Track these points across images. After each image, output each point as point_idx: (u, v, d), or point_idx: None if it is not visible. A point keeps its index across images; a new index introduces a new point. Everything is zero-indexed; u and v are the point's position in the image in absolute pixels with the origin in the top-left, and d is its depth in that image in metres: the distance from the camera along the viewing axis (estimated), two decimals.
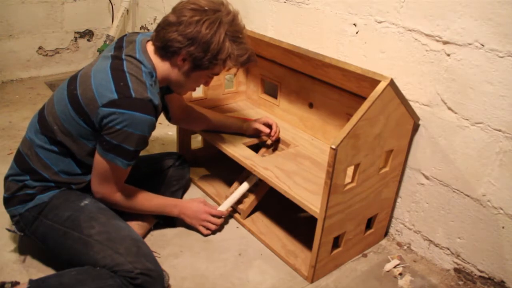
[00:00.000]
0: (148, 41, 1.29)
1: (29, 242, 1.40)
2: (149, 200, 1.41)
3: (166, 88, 1.40)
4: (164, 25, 1.22)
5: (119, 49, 1.26)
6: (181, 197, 1.71)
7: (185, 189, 1.76)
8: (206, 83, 1.38)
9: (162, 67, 1.27)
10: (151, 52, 1.27)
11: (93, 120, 1.19)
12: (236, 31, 1.24)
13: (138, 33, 1.35)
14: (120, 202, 1.34)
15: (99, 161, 1.24)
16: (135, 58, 1.23)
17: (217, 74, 1.33)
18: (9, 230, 1.34)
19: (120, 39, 1.32)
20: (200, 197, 1.59)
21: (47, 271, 1.33)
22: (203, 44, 1.20)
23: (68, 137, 1.25)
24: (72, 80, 1.27)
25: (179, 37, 1.20)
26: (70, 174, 1.30)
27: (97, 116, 1.17)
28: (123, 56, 1.23)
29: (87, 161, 1.29)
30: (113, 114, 1.15)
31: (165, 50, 1.24)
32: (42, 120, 1.29)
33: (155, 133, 2.23)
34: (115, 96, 1.15)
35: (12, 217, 1.31)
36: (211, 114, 1.68)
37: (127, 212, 1.41)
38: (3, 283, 1.18)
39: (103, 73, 1.20)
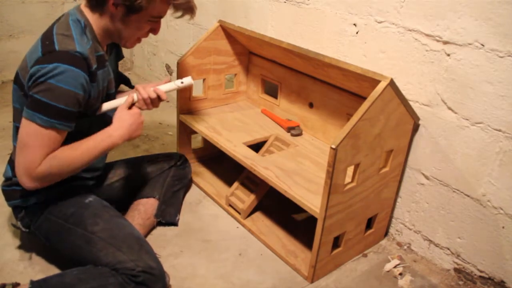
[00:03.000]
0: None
1: (32, 241, 1.41)
2: (78, 148, 1.19)
3: (116, 55, 1.36)
4: None
5: (60, 16, 1.23)
6: (183, 198, 1.71)
7: (187, 189, 1.76)
8: (153, 31, 1.27)
9: (97, 20, 1.20)
10: (84, 8, 1.21)
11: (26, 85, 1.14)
12: None
13: None
14: (49, 173, 1.14)
15: (22, 126, 1.12)
16: (66, 16, 1.19)
17: (160, 17, 1.24)
18: (14, 226, 1.34)
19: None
20: (123, 102, 1.33)
21: (50, 269, 1.33)
22: None
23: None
24: None
25: None
26: None
27: (28, 77, 1.12)
28: (57, 20, 1.20)
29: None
30: (37, 71, 1.09)
31: None
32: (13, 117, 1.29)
33: (155, 133, 2.24)
34: (40, 54, 1.11)
35: (16, 211, 1.31)
36: None
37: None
38: (4, 285, 1.18)
39: (36, 41, 1.17)
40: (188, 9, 1.26)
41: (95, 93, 1.22)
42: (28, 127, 1.11)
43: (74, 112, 1.14)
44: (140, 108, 1.34)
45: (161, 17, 1.25)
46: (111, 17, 1.20)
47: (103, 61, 1.24)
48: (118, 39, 1.26)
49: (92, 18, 1.21)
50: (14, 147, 1.27)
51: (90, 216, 1.24)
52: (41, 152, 1.12)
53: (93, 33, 1.21)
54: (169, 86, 1.39)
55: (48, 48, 1.11)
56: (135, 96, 1.34)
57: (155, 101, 1.35)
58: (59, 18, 1.22)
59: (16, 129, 1.21)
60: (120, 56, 1.39)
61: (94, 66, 1.18)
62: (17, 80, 1.20)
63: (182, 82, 1.40)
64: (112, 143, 1.23)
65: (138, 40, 1.30)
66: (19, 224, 1.31)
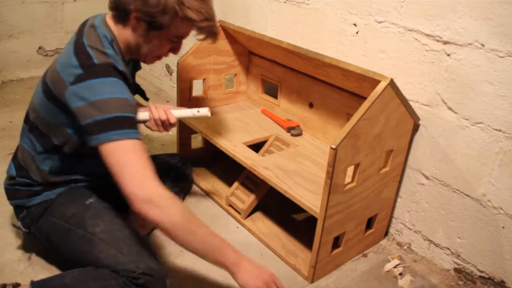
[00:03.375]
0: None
1: (32, 241, 1.41)
2: (208, 231, 1.09)
3: (133, 65, 1.34)
4: None
5: (83, 26, 1.21)
6: (183, 199, 1.71)
7: (188, 190, 1.76)
8: (174, 50, 1.25)
9: (121, 33, 1.19)
10: (110, 20, 1.20)
11: (64, 102, 1.12)
12: None
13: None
14: (167, 207, 1.03)
15: (105, 154, 1.05)
16: (94, 29, 1.17)
17: (181, 37, 1.22)
18: (15, 225, 1.34)
19: (86, 20, 1.26)
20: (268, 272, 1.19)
21: (50, 270, 1.33)
22: None
23: (51, 128, 1.21)
24: (46, 71, 1.24)
25: None
26: (60, 173, 1.27)
27: (68, 96, 1.10)
28: (84, 31, 1.18)
29: (75, 154, 1.24)
30: (82, 89, 1.07)
31: (117, 11, 1.15)
32: (26, 119, 1.28)
33: (155, 134, 2.24)
34: (80, 71, 1.09)
35: (17, 210, 1.31)
36: None
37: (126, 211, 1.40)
38: (5, 285, 1.18)
39: (67, 52, 1.15)
40: (210, 34, 1.24)
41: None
42: (111, 150, 1.04)
43: (134, 118, 1.11)
44: (150, 129, 1.35)
45: (183, 37, 1.23)
46: (132, 30, 1.18)
47: (125, 76, 1.23)
48: (137, 54, 1.25)
49: (117, 32, 1.20)
50: (22, 146, 1.28)
51: (90, 217, 1.23)
52: (143, 164, 1.04)
53: (119, 48, 1.20)
54: (184, 113, 1.36)
55: (86, 63, 1.10)
56: (147, 115, 1.33)
57: (165, 124, 1.33)
58: (83, 27, 1.20)
59: (30, 130, 1.24)
60: (137, 67, 1.39)
61: (124, 70, 1.19)
62: (48, 91, 1.17)
63: (198, 111, 1.36)
64: (223, 258, 1.09)
65: (158, 58, 1.28)
66: (19, 224, 1.31)
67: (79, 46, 1.14)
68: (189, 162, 1.72)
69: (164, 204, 1.02)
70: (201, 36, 1.24)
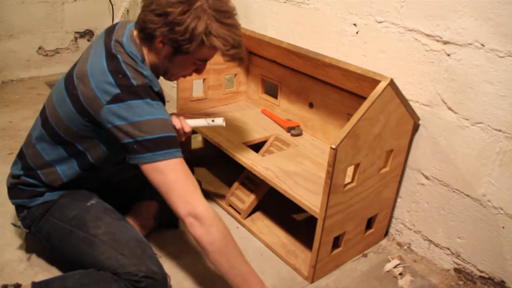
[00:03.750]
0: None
1: (32, 242, 1.41)
2: (244, 261, 1.15)
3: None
4: (143, 6, 1.14)
5: (110, 34, 1.19)
6: None
7: None
8: (198, 71, 1.25)
9: (147, 53, 1.19)
10: (137, 38, 1.18)
11: (99, 119, 1.12)
12: (219, 8, 1.11)
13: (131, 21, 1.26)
14: (212, 227, 1.08)
15: (150, 173, 1.09)
16: (123, 47, 1.15)
17: (206, 60, 1.22)
18: (14, 225, 1.33)
19: (112, 26, 1.25)
20: None
21: (50, 271, 1.33)
22: (176, 22, 1.08)
23: (79, 138, 1.20)
24: (69, 79, 1.20)
25: (152, 17, 1.10)
26: (73, 179, 1.27)
27: (104, 115, 1.10)
28: (112, 45, 1.15)
29: (97, 164, 1.25)
30: (121, 109, 1.08)
31: (143, 33, 1.15)
32: (45, 124, 1.26)
33: None
34: (117, 90, 1.09)
35: (18, 210, 1.30)
36: None
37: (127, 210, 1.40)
38: (5, 286, 1.18)
39: (99, 67, 1.13)
40: (237, 60, 1.22)
41: None
42: (158, 170, 1.08)
43: (176, 137, 1.14)
44: None
45: (207, 60, 1.23)
46: (157, 53, 1.18)
47: (162, 96, 1.23)
48: (162, 73, 1.25)
49: (144, 51, 1.19)
50: (35, 148, 1.26)
51: (92, 219, 1.23)
52: (188, 184, 1.10)
53: (148, 67, 1.19)
54: (198, 122, 1.37)
55: (124, 83, 1.10)
56: None
57: (179, 133, 1.33)
58: (111, 36, 1.18)
59: (50, 135, 1.23)
60: None
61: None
62: (79, 105, 1.15)
63: (213, 120, 1.37)
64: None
65: (183, 77, 1.29)
66: (19, 223, 1.30)
67: (114, 63, 1.12)
68: (189, 162, 1.71)
69: (207, 223, 1.08)
70: (227, 59, 1.22)
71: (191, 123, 1.36)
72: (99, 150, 1.22)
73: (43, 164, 1.25)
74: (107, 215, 1.26)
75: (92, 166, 1.25)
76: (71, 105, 1.17)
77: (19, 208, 1.30)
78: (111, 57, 1.14)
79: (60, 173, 1.25)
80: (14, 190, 1.30)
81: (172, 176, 1.09)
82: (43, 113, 1.28)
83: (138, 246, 1.20)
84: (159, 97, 1.17)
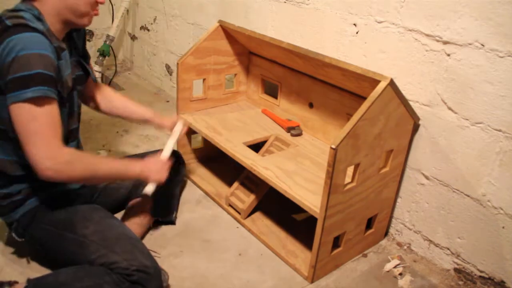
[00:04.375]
0: None
1: (29, 246, 1.40)
2: (107, 161, 1.23)
3: (82, 54, 1.31)
4: None
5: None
6: (180, 195, 1.70)
7: (181, 186, 1.76)
8: (99, 1, 1.21)
9: (44, 6, 1.13)
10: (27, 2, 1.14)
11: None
12: None
13: None
14: (75, 163, 1.10)
15: (16, 112, 1.04)
16: (15, 10, 1.11)
17: None
18: (10, 236, 1.33)
19: None
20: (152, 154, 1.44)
21: (49, 270, 1.33)
22: None
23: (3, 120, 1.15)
24: None
25: None
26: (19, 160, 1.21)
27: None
28: (1, 14, 1.11)
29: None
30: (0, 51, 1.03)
31: None
32: None
33: (155, 133, 2.24)
34: None
35: (8, 224, 1.30)
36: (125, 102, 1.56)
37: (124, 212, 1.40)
38: (2, 283, 1.18)
39: None
40: None
41: (63, 75, 1.16)
42: (22, 110, 1.04)
43: (54, 77, 1.08)
44: None
45: None
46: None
47: (59, 52, 1.16)
48: (71, 16, 1.17)
49: (41, 3, 1.13)
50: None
51: (79, 220, 1.23)
52: (52, 131, 1.07)
53: (46, 23, 1.14)
54: (169, 147, 1.50)
55: (1, 28, 1.06)
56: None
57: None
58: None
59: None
60: (78, 39, 1.34)
61: (55, 44, 1.13)
62: None
63: (174, 132, 1.55)
64: (133, 170, 1.27)
65: (92, 15, 1.22)
66: (13, 235, 1.30)
67: None
68: (182, 158, 1.70)
69: (65, 168, 1.10)
70: None
71: (165, 154, 1.47)
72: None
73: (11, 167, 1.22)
74: (94, 214, 1.26)
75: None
76: None
77: (8, 224, 1.30)
78: None
79: (4, 157, 1.21)
80: None
81: (35, 117, 1.06)
82: None
83: (128, 241, 1.21)
84: (45, 35, 1.09)
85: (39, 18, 1.12)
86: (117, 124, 2.30)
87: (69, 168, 1.10)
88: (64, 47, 1.19)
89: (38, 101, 1.05)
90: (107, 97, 1.52)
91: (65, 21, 1.18)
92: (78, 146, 1.37)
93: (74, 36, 1.31)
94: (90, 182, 1.22)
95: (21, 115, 1.05)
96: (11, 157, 1.21)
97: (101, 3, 1.22)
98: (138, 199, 1.52)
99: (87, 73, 1.35)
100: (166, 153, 1.47)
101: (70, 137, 1.30)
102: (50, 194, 1.28)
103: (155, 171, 1.33)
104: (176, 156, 1.67)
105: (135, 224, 1.45)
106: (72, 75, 1.24)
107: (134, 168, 1.28)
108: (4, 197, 1.25)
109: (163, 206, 1.56)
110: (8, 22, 1.06)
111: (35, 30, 1.07)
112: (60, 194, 1.30)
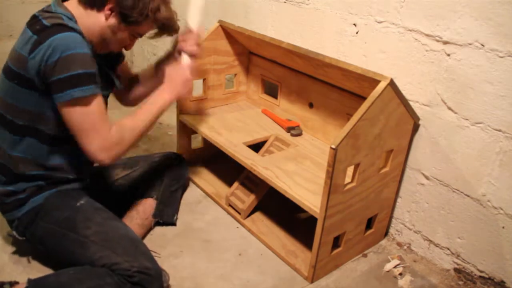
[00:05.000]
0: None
1: (30, 245, 1.40)
2: (142, 113, 1.27)
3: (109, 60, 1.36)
4: None
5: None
6: (181, 198, 1.71)
7: (184, 188, 1.76)
8: (128, 46, 1.31)
9: (86, 18, 1.19)
10: (72, 5, 1.20)
11: (29, 76, 1.12)
12: None
13: None
14: (123, 137, 1.20)
15: (67, 112, 1.12)
16: (50, 11, 1.16)
17: (141, 35, 1.29)
18: (10, 235, 1.34)
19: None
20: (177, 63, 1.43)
21: (50, 270, 1.32)
22: None
23: (25, 114, 1.19)
24: (4, 67, 1.22)
25: None
26: (34, 160, 1.24)
27: (30, 67, 1.11)
28: (37, 14, 1.17)
29: (56, 133, 1.22)
30: (41, 51, 1.08)
31: None
32: None
33: (155, 133, 2.24)
34: (34, 37, 1.10)
35: (10, 222, 1.31)
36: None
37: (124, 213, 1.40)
38: (2, 283, 1.18)
39: (21, 36, 1.16)
40: (172, 30, 1.33)
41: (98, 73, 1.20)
42: (73, 109, 1.12)
43: (96, 73, 1.14)
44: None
45: (141, 36, 1.30)
46: (102, 20, 1.20)
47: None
48: (98, 43, 1.25)
49: (81, 16, 1.19)
50: (8, 155, 1.23)
51: (82, 220, 1.23)
52: (104, 123, 1.16)
53: (78, 26, 1.18)
54: (193, 15, 1.44)
55: (39, 29, 1.11)
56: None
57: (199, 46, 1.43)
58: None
59: (15, 129, 1.20)
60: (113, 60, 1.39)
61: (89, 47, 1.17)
62: (10, 73, 1.17)
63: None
64: (165, 103, 1.31)
65: (115, 49, 1.31)
66: (14, 233, 1.30)
67: (33, 20, 1.15)
68: (185, 160, 1.71)
69: (118, 149, 1.20)
70: (161, 32, 1.33)
71: (192, 23, 1.42)
72: (47, 115, 1.19)
73: (3, 158, 1.24)
74: (97, 215, 1.26)
75: (47, 141, 1.23)
76: (15, 85, 1.17)
77: (10, 221, 1.31)
78: (31, 18, 1.17)
79: (17, 154, 1.22)
80: (0, 206, 1.29)
81: (86, 113, 1.14)
82: None
83: (130, 243, 1.21)
84: (83, 37, 1.15)
85: (72, 20, 1.17)
86: None
87: (120, 147, 1.20)
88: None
89: (87, 99, 1.12)
90: (127, 97, 1.57)
91: (91, 40, 1.23)
92: None
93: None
94: (142, 137, 1.29)
95: (73, 114, 1.12)
96: (26, 155, 1.23)
97: (128, 49, 1.33)
98: (141, 201, 1.52)
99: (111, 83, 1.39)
100: (193, 23, 1.42)
101: None
102: (54, 193, 1.28)
103: (182, 85, 1.36)
104: (178, 159, 1.67)
105: (137, 225, 1.45)
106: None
107: (164, 99, 1.32)
108: (9, 195, 1.25)
109: (165, 209, 1.56)
110: (46, 22, 1.11)
111: (73, 29, 1.12)
112: (64, 193, 1.30)
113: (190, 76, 1.39)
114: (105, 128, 1.16)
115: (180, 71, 1.37)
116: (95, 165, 1.39)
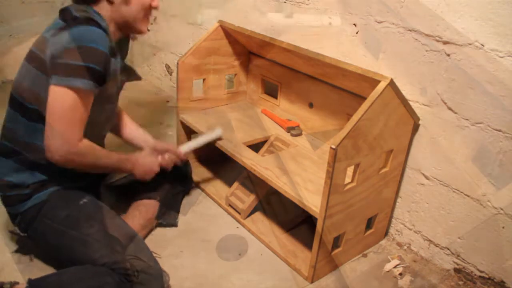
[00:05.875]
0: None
1: (31, 242, 1.41)
2: (109, 156, 1.30)
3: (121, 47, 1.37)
4: None
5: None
6: (182, 198, 1.71)
7: (187, 189, 1.76)
8: (153, 6, 1.29)
9: (105, 11, 1.22)
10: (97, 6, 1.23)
11: (44, 58, 1.15)
12: None
13: None
14: (87, 155, 1.20)
15: (57, 94, 1.11)
16: (81, 6, 1.21)
17: None
18: (12, 232, 1.34)
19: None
20: (163, 145, 1.51)
21: (51, 270, 1.33)
22: None
23: (39, 99, 1.19)
24: (29, 54, 1.25)
25: None
26: None
27: (48, 48, 1.14)
28: (69, 6, 1.21)
29: None
30: (64, 37, 1.11)
31: None
32: (13, 104, 1.25)
33: (155, 134, 2.24)
34: (61, 23, 1.16)
35: (12, 217, 1.31)
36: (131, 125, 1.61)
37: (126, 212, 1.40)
38: (2, 283, 1.18)
39: (53, 22, 1.21)
40: None
41: (112, 73, 1.22)
42: (65, 95, 1.11)
43: (103, 73, 1.15)
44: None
45: None
46: (111, 5, 1.22)
47: (114, 52, 1.24)
48: (126, 26, 1.28)
49: (102, 12, 1.22)
50: (25, 143, 1.23)
51: (84, 218, 1.23)
52: (81, 123, 1.16)
53: (105, 22, 1.22)
54: (193, 143, 1.57)
55: (68, 17, 1.16)
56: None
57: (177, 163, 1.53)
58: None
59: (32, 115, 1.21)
60: (125, 49, 1.41)
61: (111, 44, 1.20)
62: (36, 61, 1.18)
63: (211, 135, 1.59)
64: (125, 168, 1.37)
65: (148, 20, 1.32)
66: (16, 229, 1.30)
67: (64, 11, 1.19)
68: (188, 162, 1.71)
69: (75, 158, 1.19)
70: None
71: (185, 147, 1.52)
72: None
73: (21, 146, 1.24)
74: (99, 213, 1.26)
75: None
76: (33, 68, 1.19)
77: (12, 216, 1.31)
78: (63, 9, 1.21)
79: (38, 143, 1.21)
80: (2, 198, 1.29)
81: (69, 104, 1.13)
82: (10, 101, 1.27)
83: (132, 242, 1.21)
84: (107, 33, 1.17)
85: (99, 16, 1.21)
86: None
87: (78, 159, 1.19)
88: (116, 50, 1.26)
89: (83, 92, 1.13)
90: (125, 123, 1.59)
91: (121, 28, 1.28)
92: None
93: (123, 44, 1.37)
94: (89, 171, 1.29)
95: (61, 99, 1.12)
96: (40, 142, 1.19)
97: (155, 8, 1.31)
98: (143, 201, 1.52)
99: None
100: (186, 148, 1.51)
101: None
102: (57, 190, 1.28)
103: (143, 172, 1.41)
104: (183, 162, 1.66)
105: (139, 226, 1.45)
106: (120, 76, 1.32)
107: (127, 166, 1.37)
108: (12, 187, 1.26)
109: (168, 211, 1.56)
110: (76, 13, 1.16)
111: (99, 25, 1.16)
112: (68, 190, 1.30)
113: (157, 169, 1.45)
114: (80, 130, 1.16)
115: (151, 163, 1.43)
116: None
